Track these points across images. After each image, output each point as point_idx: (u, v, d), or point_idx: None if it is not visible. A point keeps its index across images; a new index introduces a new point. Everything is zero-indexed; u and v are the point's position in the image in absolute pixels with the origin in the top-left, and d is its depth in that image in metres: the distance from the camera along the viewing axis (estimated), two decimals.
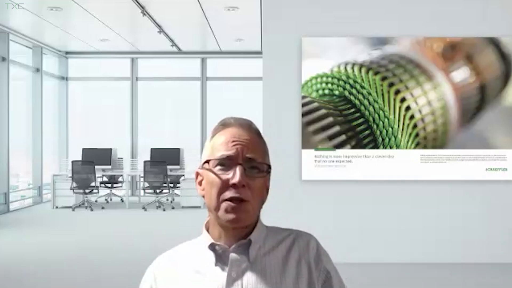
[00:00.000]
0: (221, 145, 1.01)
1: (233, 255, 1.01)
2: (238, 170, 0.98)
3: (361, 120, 4.59)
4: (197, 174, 1.06)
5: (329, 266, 1.07)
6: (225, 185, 0.99)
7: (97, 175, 8.58)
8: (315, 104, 4.62)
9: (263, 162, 1.02)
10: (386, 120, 4.59)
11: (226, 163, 1.00)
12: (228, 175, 0.99)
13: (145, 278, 1.08)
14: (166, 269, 1.05)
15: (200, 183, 1.05)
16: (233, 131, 1.03)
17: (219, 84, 10.59)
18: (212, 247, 1.03)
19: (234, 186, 0.98)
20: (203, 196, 1.04)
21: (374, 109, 4.58)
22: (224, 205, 0.99)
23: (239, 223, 1.00)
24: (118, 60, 10.56)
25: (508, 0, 4.78)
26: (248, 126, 1.05)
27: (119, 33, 8.56)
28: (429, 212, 4.74)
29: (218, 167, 1.00)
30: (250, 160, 1.00)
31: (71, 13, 7.24)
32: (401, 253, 4.71)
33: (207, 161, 1.02)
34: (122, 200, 9.51)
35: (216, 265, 1.02)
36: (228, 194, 0.98)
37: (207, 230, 1.07)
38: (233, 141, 1.01)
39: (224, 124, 1.05)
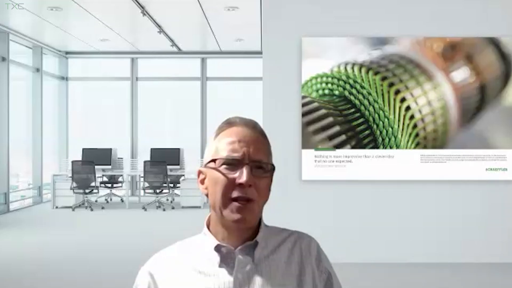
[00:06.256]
0: (227, 144, 1.01)
1: (240, 258, 1.00)
2: (245, 170, 0.97)
3: (361, 120, 4.59)
4: (199, 172, 1.05)
5: (329, 267, 1.09)
6: (231, 184, 0.98)
7: (97, 175, 8.58)
8: (315, 104, 4.62)
9: (268, 162, 1.02)
10: (386, 120, 4.59)
11: (233, 162, 0.99)
12: (234, 174, 0.98)
13: (140, 279, 1.04)
14: (166, 269, 1.03)
15: (202, 182, 1.04)
16: (238, 130, 1.02)
17: (219, 84, 10.59)
18: (217, 248, 1.01)
19: (240, 185, 0.97)
20: (207, 195, 1.03)
21: (374, 109, 4.58)
22: (230, 205, 0.98)
23: (245, 224, 1.00)
24: (118, 60, 10.55)
25: (508, 0, 4.78)
26: (253, 126, 1.04)
27: (119, 33, 8.56)
28: (429, 212, 4.74)
29: (224, 166, 0.99)
30: (256, 160, 1.00)
31: (71, 13, 7.23)
32: (401, 253, 4.71)
33: (213, 160, 1.01)
34: (122, 200, 9.51)
35: (220, 266, 1.01)
36: (235, 193, 0.98)
37: (208, 227, 1.06)
38: (240, 141, 1.00)
39: (229, 123, 1.04)
